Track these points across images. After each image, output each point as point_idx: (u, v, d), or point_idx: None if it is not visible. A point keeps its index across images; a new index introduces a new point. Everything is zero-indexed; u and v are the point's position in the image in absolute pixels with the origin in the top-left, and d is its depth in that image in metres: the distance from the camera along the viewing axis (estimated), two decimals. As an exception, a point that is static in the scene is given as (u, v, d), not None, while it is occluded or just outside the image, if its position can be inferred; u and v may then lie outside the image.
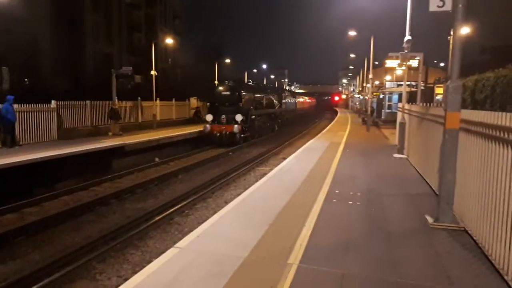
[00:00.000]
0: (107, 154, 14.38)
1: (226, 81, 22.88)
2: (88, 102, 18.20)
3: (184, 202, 9.52)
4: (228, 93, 21.69)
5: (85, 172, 12.82)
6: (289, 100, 38.83)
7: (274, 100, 30.07)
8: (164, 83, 41.32)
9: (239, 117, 20.83)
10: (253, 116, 22.97)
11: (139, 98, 22.54)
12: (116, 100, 19.00)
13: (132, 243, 7.15)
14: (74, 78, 32.48)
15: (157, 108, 24.52)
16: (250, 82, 28.79)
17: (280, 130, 30.05)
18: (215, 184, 11.58)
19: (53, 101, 15.91)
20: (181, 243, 4.88)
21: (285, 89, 44.20)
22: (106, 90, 19.49)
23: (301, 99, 52.97)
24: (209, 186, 11.27)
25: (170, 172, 13.40)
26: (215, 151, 19.17)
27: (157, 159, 16.10)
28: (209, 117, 21.25)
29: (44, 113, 15.34)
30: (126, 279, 4.76)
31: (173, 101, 27.54)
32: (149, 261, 5.67)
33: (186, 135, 20.51)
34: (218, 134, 20.53)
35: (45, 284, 5.46)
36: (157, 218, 8.33)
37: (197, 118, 28.75)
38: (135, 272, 4.99)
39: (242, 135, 21.15)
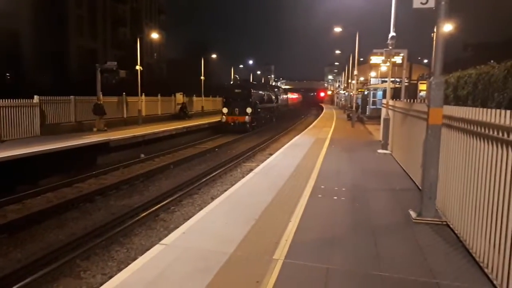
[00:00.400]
0: (92, 150, 14.20)
1: (238, 81, 29.77)
2: (72, 97, 17.92)
3: (170, 199, 9.47)
4: (240, 90, 26.57)
5: (69, 168, 12.64)
6: (283, 97, 44.04)
7: (273, 96, 34.84)
8: (150, 78, 40.95)
9: (249, 110, 25.60)
10: (259, 109, 27.90)
11: (124, 93, 22.29)
12: (101, 95, 18.72)
13: (117, 240, 7.09)
14: (57, 73, 31.92)
15: (142, 103, 24.27)
16: (236, 77, 30.56)
17: (270, 125, 31.99)
18: (202, 180, 11.55)
19: (35, 96, 15.61)
20: (167, 240, 4.87)
21: (280, 87, 48.84)
22: (91, 85, 19.20)
23: (291, 96, 57.53)
24: (196, 182, 11.23)
25: (156, 168, 13.31)
26: (201, 147, 19.12)
27: (142, 155, 15.96)
28: (225, 110, 25.93)
29: (27, 108, 15.04)
30: (111, 277, 4.71)
31: (159, 96, 27.31)
32: (134, 258, 5.63)
33: (171, 131, 20.39)
34: (232, 123, 25.35)
35: (27, 283, 5.38)
36: (143, 214, 8.28)
37: (183, 114, 28.58)
38: (120, 270, 4.96)
39: (251, 124, 26.01)
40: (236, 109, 25.72)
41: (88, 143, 14.01)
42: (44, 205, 9.11)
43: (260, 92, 30.28)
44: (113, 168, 13.31)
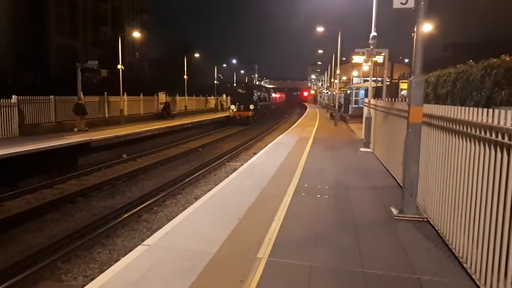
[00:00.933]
0: (73, 151, 13.96)
1: (243, 84, 39.63)
2: (51, 97, 17.58)
3: (153, 199, 9.38)
4: (244, 91, 33.62)
5: (49, 169, 12.40)
6: (273, 96, 52.67)
7: (267, 96, 43.05)
8: (132, 77, 40.47)
9: (251, 107, 32.20)
10: (258, 106, 34.91)
11: (105, 93, 21.99)
12: (82, 95, 18.43)
13: (99, 242, 6.99)
14: (37, 72, 31.26)
15: (124, 103, 23.98)
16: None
17: (260, 120, 36.04)
18: (185, 180, 11.48)
19: (13, 96, 15.27)
20: (150, 241, 4.82)
21: (271, 88, 56.94)
22: (71, 85, 18.88)
23: (278, 95, 63.75)
24: (179, 183, 11.16)
25: (139, 169, 13.17)
26: (185, 147, 19.01)
27: (124, 156, 15.77)
28: (233, 107, 32.62)
29: (5, 108, 14.70)
30: (92, 279, 4.65)
31: (141, 96, 27.02)
32: (117, 260, 5.57)
33: (154, 131, 20.22)
34: (238, 117, 31.82)
35: (5, 287, 5.26)
36: (125, 215, 8.18)
37: (165, 113, 28.32)
38: (102, 271, 4.88)
39: (253, 118, 32.60)
40: (242, 106, 32.13)
41: (69, 143, 13.77)
42: (24, 207, 8.92)
43: (259, 92, 37.93)
44: (95, 168, 13.12)
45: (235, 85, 43.92)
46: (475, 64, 8.23)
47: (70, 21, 41.37)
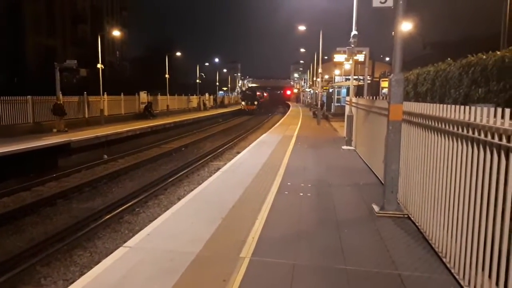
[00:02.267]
0: (52, 152, 13.67)
1: (249, 87, 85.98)
2: (29, 97, 17.20)
3: (135, 200, 9.27)
4: (250, 93, 55.74)
5: (28, 171, 12.12)
6: (264, 95, 74.02)
7: (262, 96, 61.12)
8: (112, 76, 39.94)
9: (255, 102, 51.39)
10: (260, 102, 53.69)
11: (85, 92, 21.62)
12: (60, 95, 18.08)
13: (80, 245, 6.87)
14: (13, 72, 30.50)
15: (104, 103, 23.62)
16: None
17: (259, 111, 52.42)
18: (168, 180, 11.37)
19: (-12, 97, 14.90)
20: (131, 242, 4.75)
21: (264, 89, 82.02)
22: (50, 85, 18.51)
23: (266, 94, 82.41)
24: (161, 183, 11.05)
25: (120, 169, 12.98)
26: (167, 147, 18.84)
27: (105, 156, 15.53)
28: (243, 103, 52.10)
29: (-21, 109, 14.32)
30: (73, 282, 4.55)
31: (122, 95, 26.65)
32: (98, 262, 5.46)
33: (136, 131, 19.98)
34: (247, 109, 48.79)
35: (-17, 292, 5.13)
36: (107, 217, 8.06)
37: (147, 113, 28.02)
38: (83, 274, 4.80)
39: (255, 110, 49.32)
40: (249, 102, 51.10)
41: (48, 144, 13.49)
42: (0, 210, 8.68)
43: (258, 93, 60.07)
44: (75, 170, 12.87)
45: (244, 89, 68.86)
46: (453, 62, 8.37)
47: (47, 19, 40.41)
